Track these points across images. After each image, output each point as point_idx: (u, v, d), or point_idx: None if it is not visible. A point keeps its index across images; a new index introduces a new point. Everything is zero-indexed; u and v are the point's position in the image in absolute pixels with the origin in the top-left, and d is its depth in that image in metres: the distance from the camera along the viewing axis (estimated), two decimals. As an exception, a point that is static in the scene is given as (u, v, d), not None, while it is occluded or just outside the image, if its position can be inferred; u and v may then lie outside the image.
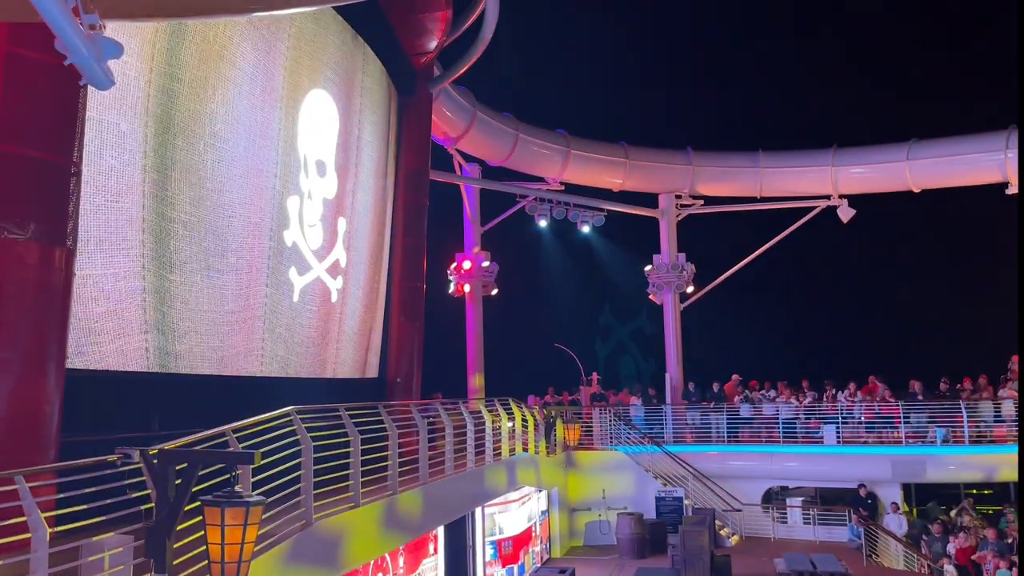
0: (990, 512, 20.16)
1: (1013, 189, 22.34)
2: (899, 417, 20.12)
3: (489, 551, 15.47)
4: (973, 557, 16.64)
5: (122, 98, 9.43)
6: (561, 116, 25.38)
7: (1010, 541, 16.72)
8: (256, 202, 12.25)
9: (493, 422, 15.10)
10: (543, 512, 18.76)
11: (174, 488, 5.95)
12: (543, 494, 18.78)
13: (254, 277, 12.29)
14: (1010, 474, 19.61)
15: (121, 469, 6.10)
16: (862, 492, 19.91)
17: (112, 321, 9.38)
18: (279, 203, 12.79)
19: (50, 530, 5.31)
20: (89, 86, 7.87)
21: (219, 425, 7.26)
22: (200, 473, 6.12)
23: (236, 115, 11.61)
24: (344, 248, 15.03)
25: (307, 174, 13.69)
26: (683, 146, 25.04)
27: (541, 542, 18.30)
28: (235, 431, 7.34)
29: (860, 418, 20.74)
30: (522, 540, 16.66)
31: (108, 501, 5.81)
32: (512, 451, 16.14)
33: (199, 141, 10.85)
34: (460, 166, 23.48)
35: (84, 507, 5.72)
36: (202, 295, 11.04)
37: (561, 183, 24.39)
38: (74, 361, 8.66)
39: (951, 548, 17.12)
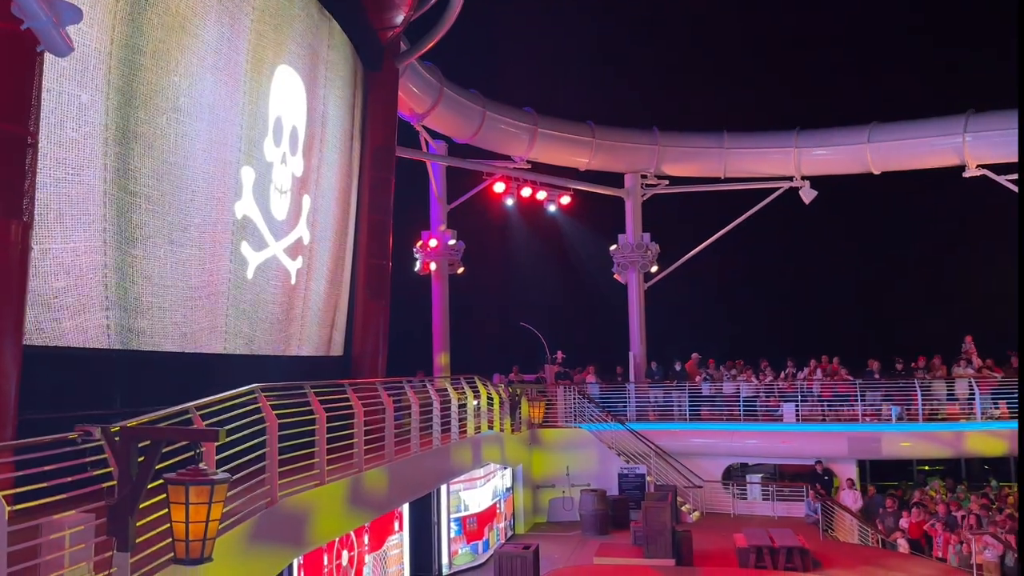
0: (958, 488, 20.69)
1: (970, 173, 22.81)
2: (855, 395, 20.61)
3: (454, 528, 15.57)
4: (924, 528, 17.14)
5: (82, 69, 9.20)
6: (528, 94, 25.26)
7: (959, 516, 17.24)
8: (219, 177, 12.07)
9: (459, 400, 15.14)
10: (508, 489, 18.90)
11: (136, 466, 5.87)
12: (508, 471, 18.91)
13: (218, 252, 12.13)
14: (960, 451, 20.25)
15: (82, 447, 6.01)
16: (819, 469, 20.37)
17: (72, 296, 9.21)
18: (240, 178, 12.60)
19: (8, 508, 5.22)
20: (47, 54, 7.70)
21: (182, 403, 7.18)
22: (164, 451, 6.05)
23: (200, 89, 11.39)
24: (308, 226, 14.87)
25: (272, 148, 13.48)
26: (649, 126, 25.14)
27: (505, 519, 18.45)
28: (199, 409, 7.26)
29: (819, 396, 21.17)
30: (487, 517, 16.78)
31: (68, 479, 5.72)
32: (477, 429, 16.21)
33: (161, 115, 10.64)
34: (426, 143, 23.32)
35: (43, 485, 5.63)
36: (165, 270, 10.89)
37: (528, 161, 24.36)
38: (33, 337, 8.50)
39: (903, 523, 17.60)
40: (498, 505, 17.75)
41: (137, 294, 10.30)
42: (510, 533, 18.72)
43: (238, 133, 12.51)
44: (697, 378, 22.65)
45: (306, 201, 14.83)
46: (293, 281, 14.49)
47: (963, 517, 17.00)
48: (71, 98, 9.06)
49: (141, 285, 10.39)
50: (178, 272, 11.18)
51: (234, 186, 12.47)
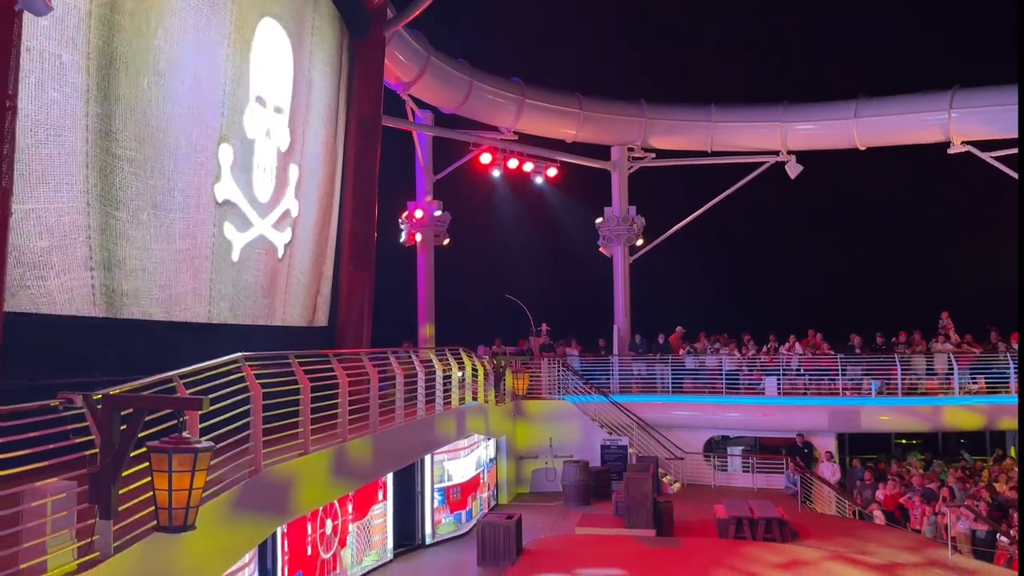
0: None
1: (955, 149, 22.88)
2: (837, 369, 20.83)
3: (437, 497, 15.66)
4: (900, 500, 17.42)
5: (62, 29, 9.07)
6: (516, 65, 24.98)
7: (934, 488, 17.52)
8: (203, 144, 11.92)
9: (443, 371, 15.16)
10: (491, 460, 19.01)
11: (119, 434, 5.85)
12: (491, 442, 19.01)
13: (202, 217, 12.04)
14: (937, 425, 20.55)
15: (63, 414, 5.98)
16: (799, 441, 20.62)
17: (57, 256, 9.21)
18: (219, 158, 12.42)
19: (-10, 475, 5.20)
20: (26, 13, 7.53)
21: (166, 371, 7.14)
22: (147, 419, 6.03)
23: (181, 52, 11.22)
24: (295, 197, 14.74)
25: (255, 119, 13.30)
26: (637, 98, 25.02)
27: (489, 489, 18.58)
28: (182, 377, 7.23)
29: (800, 370, 21.37)
30: (470, 487, 16.89)
31: (50, 446, 5.69)
32: (462, 400, 16.26)
33: (143, 77, 10.49)
34: (413, 112, 23.09)
35: (25, 452, 5.60)
36: (149, 233, 10.84)
37: (515, 133, 24.20)
38: (19, 297, 8.52)
39: (880, 495, 17.88)
40: (481, 475, 17.86)
41: (121, 256, 10.29)
42: (493, 503, 18.86)
43: (221, 99, 12.33)
44: (681, 351, 22.78)
45: (293, 171, 14.67)
46: (280, 255, 14.40)
47: (939, 489, 17.29)
48: (52, 58, 8.95)
49: (124, 247, 10.36)
50: (162, 235, 11.12)
51: (215, 161, 12.29)
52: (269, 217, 13.98)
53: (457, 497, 16.26)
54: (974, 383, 20.53)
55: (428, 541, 15.31)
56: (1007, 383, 20.16)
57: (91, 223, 9.72)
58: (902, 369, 20.43)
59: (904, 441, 24.15)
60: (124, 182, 10.27)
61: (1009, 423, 20.71)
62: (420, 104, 23.02)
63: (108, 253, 10.05)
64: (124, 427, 5.87)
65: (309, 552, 11.31)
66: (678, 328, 23.74)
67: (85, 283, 9.64)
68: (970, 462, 20.51)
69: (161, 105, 10.88)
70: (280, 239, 14.37)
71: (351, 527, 12.77)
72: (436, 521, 15.57)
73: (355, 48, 17.12)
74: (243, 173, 13.10)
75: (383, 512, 14.03)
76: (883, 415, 20.52)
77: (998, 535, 14.57)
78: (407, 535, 14.93)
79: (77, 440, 6.08)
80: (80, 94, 9.41)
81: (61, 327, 9.31)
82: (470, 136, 24.09)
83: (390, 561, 14.10)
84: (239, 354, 8.45)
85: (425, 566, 14.27)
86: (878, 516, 17.24)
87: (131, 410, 5.89)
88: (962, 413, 20.25)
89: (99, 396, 5.90)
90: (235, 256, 12.99)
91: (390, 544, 14.22)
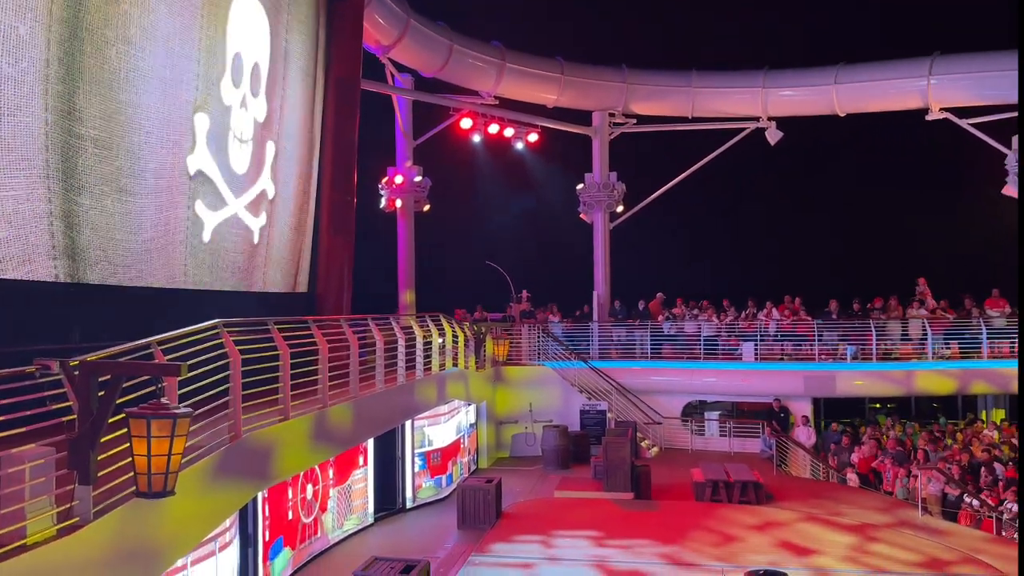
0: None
1: (933, 115, 22.98)
2: (813, 334, 21.09)
3: (418, 462, 15.79)
4: (873, 464, 17.78)
5: (20, -2, 8.53)
6: (497, 28, 24.71)
7: (907, 451, 17.89)
8: (176, 118, 11.48)
9: (424, 338, 15.19)
10: (471, 425, 19.15)
11: (97, 400, 5.84)
12: (472, 408, 19.13)
13: (175, 200, 11.60)
14: (911, 390, 20.92)
15: (40, 381, 5.95)
16: (775, 406, 20.91)
17: (17, 247, 8.76)
18: (194, 126, 11.97)
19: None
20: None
21: (143, 337, 7.11)
22: (126, 385, 6.01)
23: (153, 19, 10.86)
24: (271, 178, 14.47)
25: (231, 89, 13.06)
26: (618, 64, 24.87)
27: (469, 454, 18.74)
28: (160, 343, 7.20)
29: (777, 335, 21.62)
30: (450, 452, 17.03)
31: (27, 412, 5.67)
32: (442, 366, 16.32)
33: (110, 47, 9.98)
34: (392, 76, 22.84)
35: (1, 418, 5.57)
36: (114, 221, 10.28)
37: (495, 97, 24.02)
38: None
39: (854, 458, 18.22)
40: (462, 440, 18.00)
41: (84, 245, 9.78)
42: (473, 467, 19.03)
43: (195, 70, 11.91)
44: (660, 317, 22.95)
45: (269, 148, 14.41)
46: (256, 240, 14.16)
47: (911, 452, 17.65)
48: (8, 29, 8.45)
49: (88, 236, 9.82)
50: (129, 224, 10.57)
51: (189, 135, 11.84)
52: (244, 197, 13.58)
53: (437, 462, 16.40)
54: (947, 348, 20.87)
55: (409, 505, 15.46)
56: (979, 348, 20.52)
57: (53, 209, 9.17)
58: (877, 335, 20.73)
59: (878, 405, 24.59)
60: (87, 164, 9.64)
61: (981, 387, 21.14)
62: (400, 68, 22.77)
63: (71, 241, 9.52)
64: (102, 393, 5.85)
65: (290, 517, 11.39)
66: (659, 294, 23.88)
67: (48, 273, 9.23)
68: (943, 426, 20.92)
69: (130, 77, 10.33)
70: (255, 223, 14.02)
71: (332, 492, 12.86)
72: (417, 485, 15.71)
73: (333, 10, 16.85)
74: (218, 143, 12.64)
75: (364, 477, 14.13)
76: (858, 380, 20.84)
77: (965, 496, 14.93)
78: (388, 499, 15.06)
79: (54, 406, 6.06)
80: (39, 69, 8.86)
81: (35, 292, 9.11)
82: (450, 101, 23.88)
83: (371, 525, 14.25)
84: (217, 320, 8.41)
85: (406, 529, 14.42)
86: (852, 479, 17.58)
87: (108, 376, 5.87)
88: (935, 378, 20.61)
89: (76, 363, 5.87)
90: (206, 236, 12.49)
91: (371, 508, 14.35)
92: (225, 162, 12.99)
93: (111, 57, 10.03)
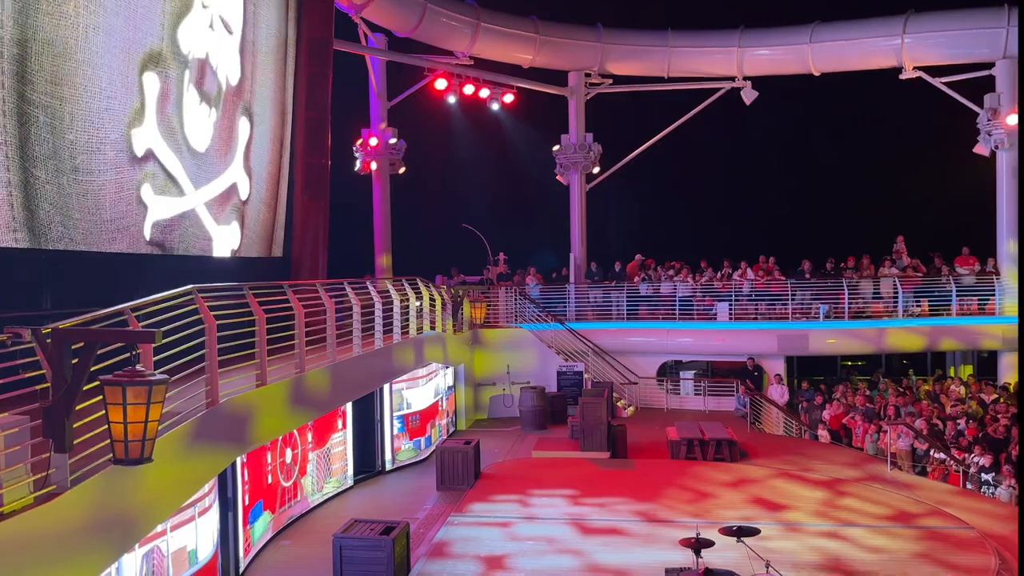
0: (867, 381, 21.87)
1: (907, 75, 23.05)
2: (787, 294, 21.34)
3: (397, 425, 15.88)
4: (844, 421, 18.14)
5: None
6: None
7: (877, 408, 18.25)
8: (139, 83, 11.02)
9: (401, 301, 15.18)
10: (449, 387, 19.25)
11: (70, 368, 5.80)
12: (450, 370, 19.21)
13: (137, 177, 11.15)
14: (882, 347, 21.29)
15: (11, 349, 5.90)
16: (749, 365, 21.20)
17: None
18: (143, 88, 11.24)
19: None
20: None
21: (117, 304, 7.04)
22: (101, 352, 5.97)
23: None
24: (245, 172, 14.16)
25: (201, 45, 12.79)
26: (594, 23, 24.63)
27: (447, 416, 18.87)
28: (134, 310, 7.14)
29: (751, 295, 21.84)
30: (429, 414, 17.14)
31: (0, 381, 5.63)
32: (420, 329, 16.34)
33: (67, 3, 9.41)
34: (365, 36, 22.45)
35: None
36: (71, 201, 9.65)
37: (470, 57, 23.72)
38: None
39: (825, 415, 18.57)
40: (440, 403, 18.11)
41: (44, 221, 9.35)
42: (452, 429, 19.19)
43: (159, 34, 11.47)
44: (636, 279, 23.07)
45: (243, 127, 14.00)
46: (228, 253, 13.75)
47: (882, 408, 18.01)
48: None
49: (47, 212, 9.30)
50: (88, 204, 9.95)
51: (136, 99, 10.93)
52: (204, 191, 12.96)
53: (416, 424, 16.50)
54: (918, 306, 21.22)
55: (388, 467, 15.59)
56: (948, 306, 20.90)
57: (11, 179, 8.72)
58: (849, 293, 21.01)
59: (850, 363, 25.00)
60: (40, 135, 9.02)
61: (949, 344, 21.56)
62: (373, 28, 22.38)
63: (30, 214, 9.06)
64: (76, 361, 5.81)
65: (269, 481, 11.45)
66: (637, 256, 23.98)
67: (10, 247, 8.89)
68: (912, 382, 21.35)
69: (88, 36, 9.66)
70: (222, 233, 13.56)
71: (311, 455, 12.92)
72: (396, 448, 15.82)
73: (303, -32, 16.47)
74: (174, 109, 11.76)
75: (343, 440, 14.21)
76: (830, 338, 21.16)
77: (932, 451, 15.30)
78: (367, 462, 15.18)
79: (27, 375, 6.02)
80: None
81: (2, 259, 8.93)
82: (425, 61, 23.57)
83: (351, 488, 14.36)
84: (191, 286, 8.35)
85: (386, 491, 14.56)
86: (823, 435, 17.94)
87: (82, 344, 5.83)
88: (905, 335, 20.98)
89: (48, 330, 5.82)
90: (147, 234, 11.50)
91: (350, 471, 14.45)
92: (180, 131, 12.10)
93: (68, 12, 9.46)
